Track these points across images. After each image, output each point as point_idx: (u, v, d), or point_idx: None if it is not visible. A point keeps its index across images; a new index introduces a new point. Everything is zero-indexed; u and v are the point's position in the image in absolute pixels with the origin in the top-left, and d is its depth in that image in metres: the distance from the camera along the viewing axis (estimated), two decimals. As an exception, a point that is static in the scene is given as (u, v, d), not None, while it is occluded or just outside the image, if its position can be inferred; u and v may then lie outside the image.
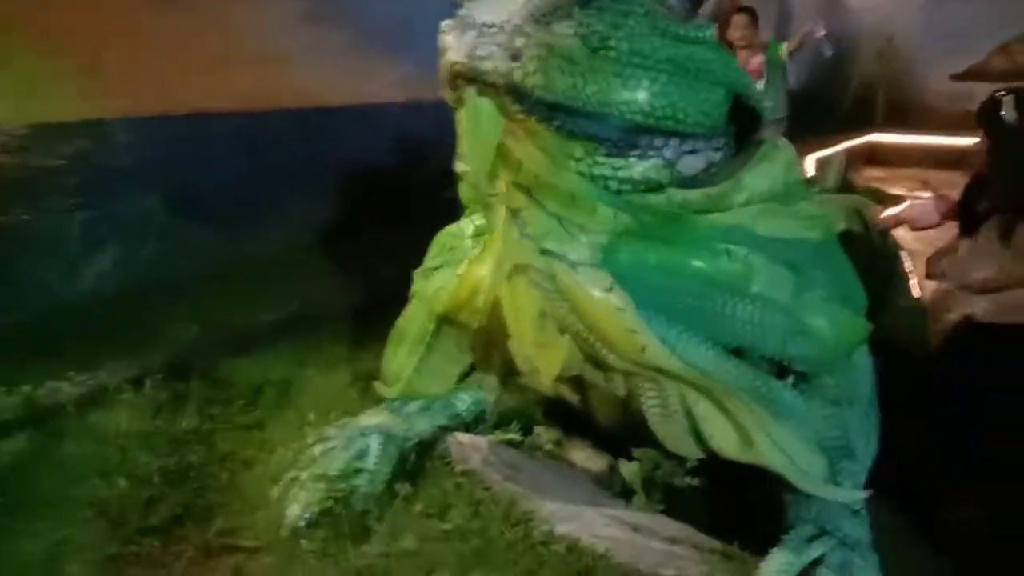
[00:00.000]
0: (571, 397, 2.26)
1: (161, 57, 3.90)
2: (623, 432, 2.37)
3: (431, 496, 2.42)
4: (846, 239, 2.89)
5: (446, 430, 2.64)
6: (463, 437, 2.61)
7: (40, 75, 3.54)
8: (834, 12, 10.97)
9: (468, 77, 1.40)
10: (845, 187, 4.76)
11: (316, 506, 2.29)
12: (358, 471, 2.41)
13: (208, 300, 3.78)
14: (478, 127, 1.44)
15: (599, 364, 1.86)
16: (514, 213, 1.65)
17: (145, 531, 2.25)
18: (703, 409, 1.93)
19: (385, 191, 4.64)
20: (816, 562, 1.98)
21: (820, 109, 10.18)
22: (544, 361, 1.86)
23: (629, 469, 2.49)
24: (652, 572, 2.13)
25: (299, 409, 2.93)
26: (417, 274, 2.28)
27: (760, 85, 5.13)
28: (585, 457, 2.63)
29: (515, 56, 1.37)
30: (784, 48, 5.48)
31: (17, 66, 3.42)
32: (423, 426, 2.61)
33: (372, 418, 2.60)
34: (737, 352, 1.89)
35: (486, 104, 1.42)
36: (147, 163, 4.04)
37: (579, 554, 2.18)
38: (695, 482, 2.48)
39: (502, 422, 2.76)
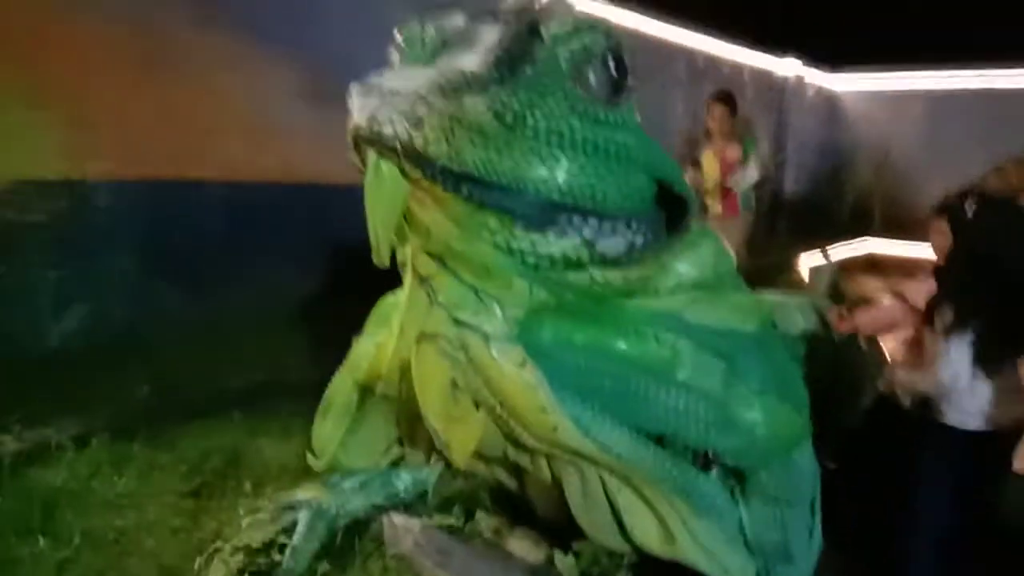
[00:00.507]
0: (508, 482, 2.20)
1: (150, 120, 3.99)
2: (563, 522, 2.30)
3: (354, 574, 2.34)
4: (806, 339, 2.89)
5: (382, 509, 2.57)
6: (398, 519, 2.53)
7: (23, 131, 3.61)
8: (834, 124, 11.25)
9: (368, 141, 1.42)
10: (836, 295, 4.77)
11: (230, 577, 2.20)
12: (282, 546, 2.34)
13: (172, 363, 3.75)
14: (379, 191, 1.44)
15: (518, 444, 1.81)
16: (422, 280, 1.64)
17: (53, 591, 2.17)
18: (625, 499, 1.88)
19: (364, 265, 4.65)
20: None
21: (818, 217, 10.33)
22: (456, 436, 1.81)
23: (566, 562, 2.40)
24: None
25: (239, 480, 2.87)
26: (354, 341, 2.26)
27: (736, 178, 5.10)
28: (524, 547, 2.52)
29: (415, 124, 1.39)
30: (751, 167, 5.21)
31: (3, 121, 3.50)
32: (357, 504, 2.54)
33: (307, 492, 2.53)
34: (660, 440, 1.84)
35: (387, 168, 1.43)
36: (126, 225, 4.08)
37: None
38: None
39: (445, 505, 2.69)
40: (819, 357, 2.96)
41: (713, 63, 9.05)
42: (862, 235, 9.31)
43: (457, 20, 1.76)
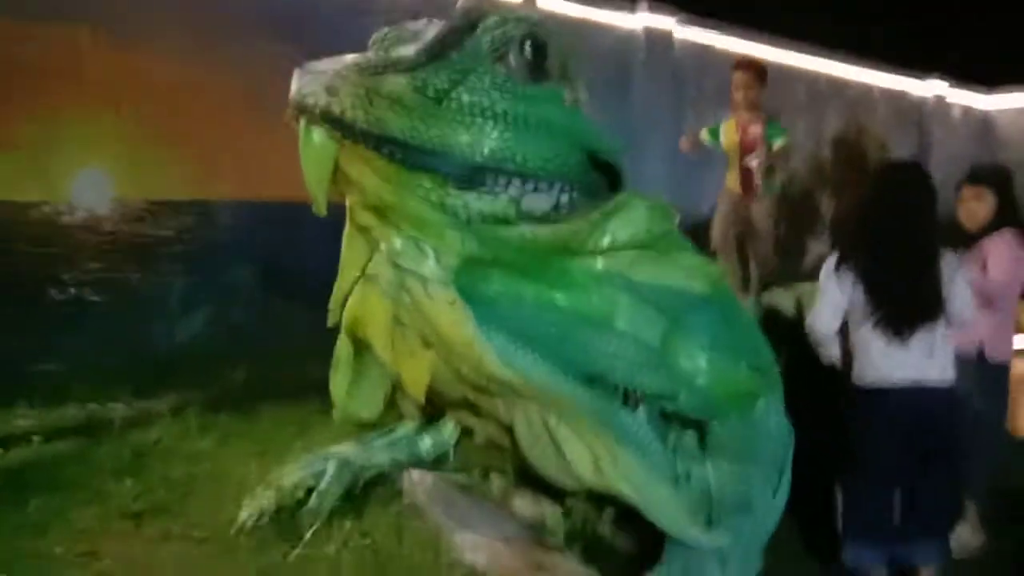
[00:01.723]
0: (501, 439, 2.44)
1: (262, 150, 4.60)
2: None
3: (369, 518, 2.66)
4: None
5: (404, 466, 2.90)
6: (415, 474, 2.85)
7: (157, 160, 4.32)
8: (985, 145, 10.59)
9: (298, 110, 1.77)
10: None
11: (261, 511, 2.59)
12: (310, 488, 2.70)
13: (270, 357, 4.27)
14: (310, 153, 1.78)
15: (462, 379, 2.08)
16: (360, 228, 1.97)
17: (127, 513, 2.64)
18: (562, 433, 2.09)
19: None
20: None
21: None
22: (409, 371, 2.10)
23: (553, 514, 2.62)
24: (530, 600, 2.24)
25: (306, 445, 3.28)
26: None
27: (754, 158, 4.67)
28: (524, 504, 2.77)
29: (332, 92, 1.72)
30: (780, 143, 4.78)
31: (139, 150, 4.22)
32: (382, 459, 2.89)
33: (341, 447, 2.91)
34: (592, 380, 2.05)
35: (315, 132, 1.77)
36: (243, 240, 4.71)
37: (472, 578, 2.33)
38: (616, 534, 2.58)
39: (464, 467, 2.98)
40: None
41: (837, 85, 8.90)
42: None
43: (421, 24, 2.10)
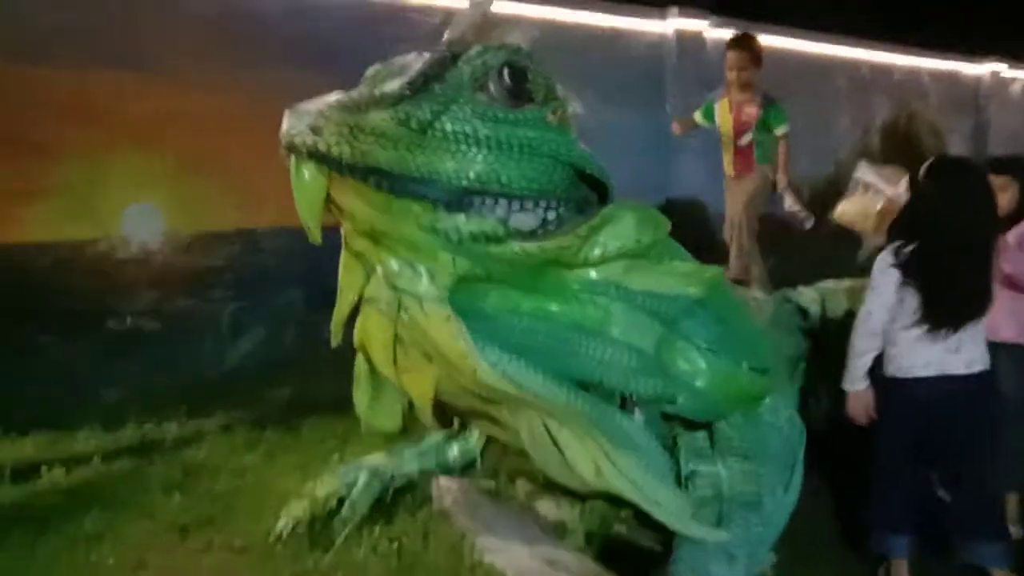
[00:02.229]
0: (499, 436, 2.56)
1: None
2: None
3: (398, 524, 2.80)
4: (848, 319, 3.00)
5: (433, 474, 3.03)
6: (444, 481, 2.97)
7: (204, 193, 4.58)
8: None
9: (287, 149, 1.91)
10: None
11: (297, 520, 2.75)
12: (342, 498, 2.86)
13: (315, 376, 4.45)
14: (301, 188, 1.92)
15: (466, 390, 2.19)
16: (356, 254, 2.10)
17: (174, 526, 2.84)
18: (564, 437, 2.19)
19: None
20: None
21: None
22: (413, 386, 2.23)
23: (570, 515, 2.71)
24: (545, 598, 2.33)
25: (343, 457, 3.44)
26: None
27: (745, 138, 4.66)
28: (548, 507, 2.86)
29: (316, 131, 1.86)
30: (783, 130, 4.76)
31: (185, 184, 4.48)
32: (412, 468, 3.02)
33: (372, 458, 3.06)
34: (588, 387, 2.14)
35: (305, 169, 1.91)
36: (289, 265, 4.93)
37: (491, 578, 2.44)
38: (633, 532, 2.65)
39: (492, 474, 3.09)
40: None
41: (882, 72, 8.75)
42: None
43: (410, 58, 2.23)
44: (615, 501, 2.67)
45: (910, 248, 2.47)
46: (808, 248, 7.64)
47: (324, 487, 2.90)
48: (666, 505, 2.16)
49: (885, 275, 2.53)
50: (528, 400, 2.11)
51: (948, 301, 2.47)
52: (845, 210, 3.88)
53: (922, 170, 2.55)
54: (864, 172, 3.87)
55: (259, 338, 4.81)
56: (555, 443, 2.21)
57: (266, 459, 3.50)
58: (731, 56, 4.67)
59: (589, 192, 2.26)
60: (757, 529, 2.29)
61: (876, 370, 2.66)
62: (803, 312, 3.33)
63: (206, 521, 2.89)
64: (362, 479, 2.92)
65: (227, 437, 3.66)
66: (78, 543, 2.69)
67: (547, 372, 2.09)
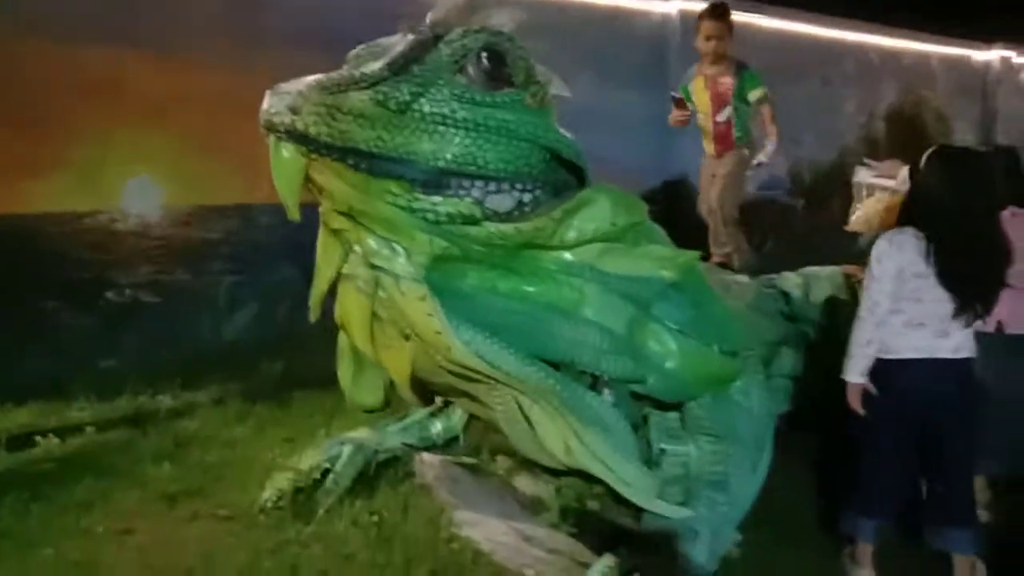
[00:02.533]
0: (478, 412, 2.62)
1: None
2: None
3: (379, 498, 2.86)
4: (829, 306, 3.04)
5: (417, 449, 3.09)
6: (426, 456, 3.03)
7: (204, 169, 4.62)
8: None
9: (267, 128, 1.95)
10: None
11: (281, 491, 2.82)
12: (326, 471, 2.92)
13: (310, 351, 4.45)
14: (280, 166, 1.96)
15: (442, 367, 2.24)
16: (334, 231, 2.14)
17: (163, 495, 2.91)
18: (536, 415, 2.25)
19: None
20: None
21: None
22: (391, 362, 2.28)
23: (546, 491, 2.77)
24: (517, 571, 2.40)
25: (330, 431, 3.50)
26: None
27: (724, 113, 4.55)
28: (526, 483, 2.93)
29: (295, 111, 1.89)
30: (758, 93, 4.56)
31: (184, 159, 4.52)
32: (395, 443, 3.09)
33: (356, 432, 3.12)
34: (559, 366, 2.19)
35: (284, 147, 1.95)
36: (286, 241, 4.96)
37: (466, 551, 2.51)
38: (606, 510, 2.71)
39: (475, 450, 3.15)
40: (838, 323, 3.09)
41: (890, 56, 8.69)
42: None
43: (395, 39, 2.26)
44: (589, 478, 2.72)
45: (925, 240, 2.46)
46: (808, 235, 7.68)
47: (308, 460, 2.96)
48: (632, 483, 2.22)
49: (883, 262, 2.52)
50: (500, 378, 2.16)
51: (975, 293, 2.48)
52: (856, 218, 3.99)
53: (922, 160, 2.57)
54: (862, 176, 3.90)
55: (254, 312, 4.87)
56: (527, 420, 2.27)
57: (256, 432, 3.57)
58: (707, 26, 4.52)
59: (567, 175, 2.30)
60: (722, 508, 2.35)
61: None
62: (785, 297, 3.36)
63: (194, 491, 2.96)
64: (346, 453, 2.98)
65: (219, 409, 3.73)
66: (69, 510, 2.77)
67: (520, 351, 2.15)
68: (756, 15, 7.20)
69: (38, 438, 3.35)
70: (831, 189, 8.29)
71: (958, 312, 2.47)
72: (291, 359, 4.40)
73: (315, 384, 4.03)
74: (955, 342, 2.53)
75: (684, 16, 6.88)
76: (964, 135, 9.39)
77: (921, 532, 2.62)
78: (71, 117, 4.27)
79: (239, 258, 4.91)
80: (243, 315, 4.88)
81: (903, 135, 8.52)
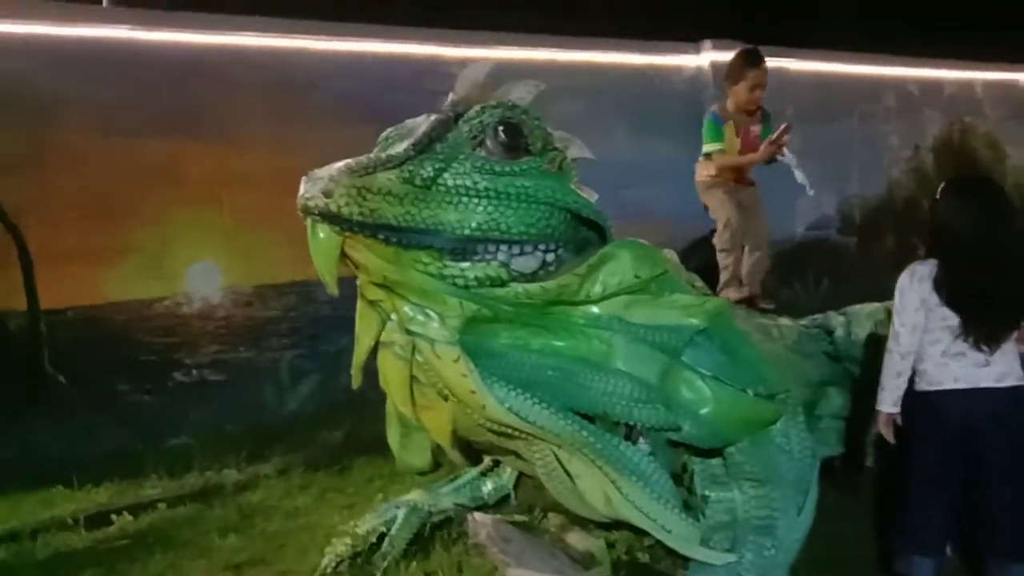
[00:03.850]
0: (524, 469, 2.68)
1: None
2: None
3: (434, 558, 2.93)
4: (870, 343, 3.05)
5: (469, 509, 3.15)
6: (479, 515, 3.09)
7: (261, 248, 4.87)
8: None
9: (303, 211, 2.10)
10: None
11: (340, 556, 2.91)
12: (382, 534, 3.01)
13: (371, 419, 4.63)
14: (317, 246, 2.10)
15: (481, 426, 2.32)
16: (371, 303, 2.27)
17: (229, 565, 3.04)
18: (575, 468, 2.30)
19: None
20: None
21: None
22: (433, 423, 2.37)
23: (597, 545, 2.80)
24: (561, 621, 2.43)
25: (387, 494, 3.60)
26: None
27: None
28: (577, 539, 2.95)
29: (327, 195, 2.04)
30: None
31: (242, 240, 4.78)
32: (447, 504, 3.16)
33: (410, 495, 3.21)
34: (593, 419, 2.26)
35: (320, 228, 2.09)
36: (343, 312, 5.14)
37: (519, 607, 2.54)
38: (657, 562, 2.72)
39: (527, 509, 3.20)
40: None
41: (932, 87, 8.62)
42: None
43: (420, 119, 2.42)
44: (639, 531, 2.75)
45: (937, 267, 2.50)
46: (864, 272, 7.58)
47: (365, 524, 3.05)
48: (673, 530, 2.24)
49: (906, 294, 2.56)
50: (536, 433, 2.23)
51: (982, 317, 2.48)
52: None
53: (938, 191, 2.61)
54: None
55: (314, 384, 5.05)
56: (567, 474, 2.33)
57: (317, 499, 3.69)
58: (755, 75, 4.31)
59: (588, 233, 2.39)
60: (770, 552, 2.35)
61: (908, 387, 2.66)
62: (830, 336, 3.36)
63: (258, 559, 3.09)
64: (401, 516, 3.06)
65: (283, 479, 3.88)
66: (143, 583, 2.92)
67: (554, 405, 2.21)
68: (789, 59, 7.26)
69: (114, 516, 3.53)
70: (882, 225, 8.23)
71: (963, 334, 2.47)
72: (350, 427, 4.54)
73: (374, 451, 4.14)
74: (998, 370, 2.50)
75: (715, 68, 7.00)
76: (1021, 160, 9.21)
77: (980, 569, 2.56)
78: (134, 207, 4.59)
79: (298, 332, 5.12)
80: (304, 387, 5.07)
81: (952, 164, 8.40)
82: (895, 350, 2.57)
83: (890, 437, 2.64)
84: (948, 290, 2.47)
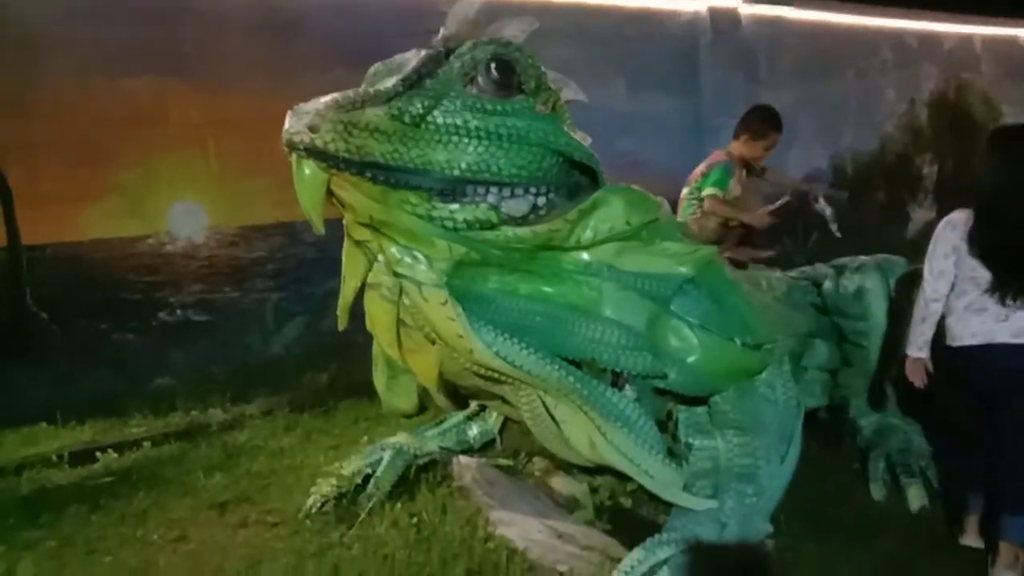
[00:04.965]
0: (509, 414, 2.68)
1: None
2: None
3: (419, 500, 2.95)
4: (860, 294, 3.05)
5: (454, 452, 3.16)
6: (463, 459, 3.11)
7: (247, 191, 4.79)
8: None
9: (288, 147, 2.04)
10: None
11: (325, 497, 2.92)
12: (368, 476, 3.01)
13: (356, 362, 4.61)
14: (302, 183, 2.05)
15: (468, 369, 2.30)
16: (357, 243, 2.23)
17: (214, 504, 3.04)
18: (560, 413, 2.30)
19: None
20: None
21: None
22: (419, 365, 2.35)
23: (580, 490, 2.82)
24: (550, 567, 2.45)
25: (372, 438, 3.61)
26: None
27: None
28: (562, 483, 2.98)
29: (313, 130, 1.98)
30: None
31: (227, 182, 4.70)
32: (433, 447, 3.17)
33: (397, 437, 3.21)
34: (580, 364, 2.25)
35: (305, 165, 2.04)
36: (329, 254, 5.10)
37: (501, 549, 2.57)
38: (640, 507, 2.75)
39: (512, 453, 3.22)
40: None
41: (930, 41, 8.52)
42: None
43: (410, 55, 2.35)
44: (622, 476, 2.77)
45: (974, 218, 2.47)
46: (854, 226, 7.56)
47: (350, 466, 3.06)
48: (656, 476, 2.25)
49: (939, 242, 2.55)
50: (523, 378, 2.22)
51: (1014, 273, 2.45)
52: None
53: (986, 140, 2.58)
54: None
55: (300, 326, 5.02)
56: (553, 419, 2.32)
57: (302, 440, 3.70)
58: (775, 137, 4.29)
59: (580, 177, 2.35)
60: (751, 500, 2.36)
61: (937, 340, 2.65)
62: (818, 288, 3.35)
63: (243, 498, 3.10)
64: (386, 458, 3.07)
65: (268, 420, 3.89)
66: (126, 520, 2.93)
67: (541, 351, 2.20)
68: (786, 8, 7.14)
69: (98, 454, 3.53)
70: (875, 179, 8.20)
71: (993, 289, 2.45)
72: (336, 370, 4.54)
73: (360, 393, 4.16)
74: (1016, 327, 2.46)
75: (713, 14, 6.88)
76: (1015, 119, 9.16)
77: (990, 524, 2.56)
78: (118, 147, 4.49)
79: (283, 274, 5.07)
80: (289, 329, 5.04)
81: (947, 120, 8.36)
82: (921, 296, 2.58)
83: (918, 381, 2.62)
84: (982, 243, 2.44)
